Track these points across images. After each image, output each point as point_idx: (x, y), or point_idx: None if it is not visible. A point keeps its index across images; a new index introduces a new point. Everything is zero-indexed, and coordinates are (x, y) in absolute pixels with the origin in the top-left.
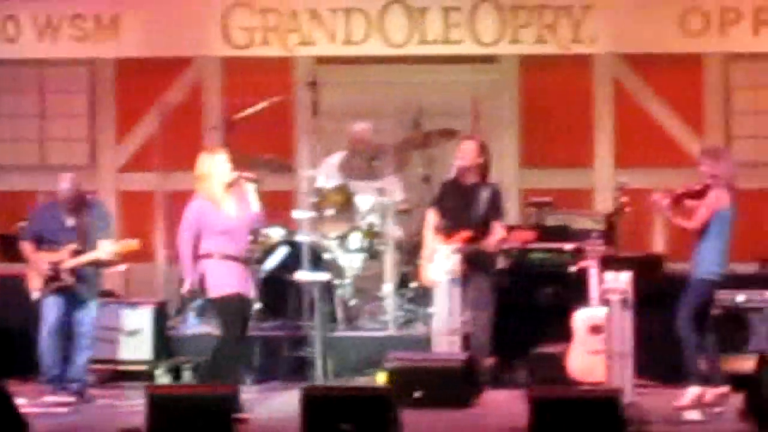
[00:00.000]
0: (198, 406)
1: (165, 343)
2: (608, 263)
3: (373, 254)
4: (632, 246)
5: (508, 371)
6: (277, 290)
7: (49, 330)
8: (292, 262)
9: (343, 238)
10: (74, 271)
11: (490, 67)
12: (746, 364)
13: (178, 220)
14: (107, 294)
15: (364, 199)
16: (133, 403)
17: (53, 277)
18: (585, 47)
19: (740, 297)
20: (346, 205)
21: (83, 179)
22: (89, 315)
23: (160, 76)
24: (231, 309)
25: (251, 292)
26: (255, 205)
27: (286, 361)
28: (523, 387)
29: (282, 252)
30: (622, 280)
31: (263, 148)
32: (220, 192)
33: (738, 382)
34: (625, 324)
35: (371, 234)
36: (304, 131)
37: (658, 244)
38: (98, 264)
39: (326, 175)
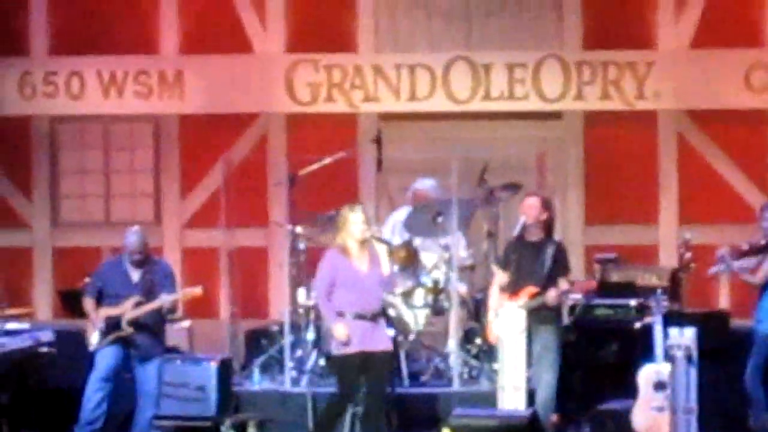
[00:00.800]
0: None
1: (229, 399)
2: (673, 319)
3: (437, 310)
4: (697, 302)
5: (572, 428)
6: None
7: (96, 377)
8: None
9: (408, 294)
10: (135, 323)
11: (555, 123)
12: None
13: (241, 277)
14: (172, 350)
15: (429, 255)
16: None
17: (112, 327)
18: (649, 103)
19: None
20: (410, 261)
21: (148, 235)
22: (153, 372)
23: (225, 132)
24: (346, 368)
25: (384, 347)
26: (386, 267)
27: (351, 417)
28: None
29: None
30: (686, 336)
31: (328, 203)
32: (351, 247)
33: None
34: (689, 380)
35: (436, 290)
36: (369, 187)
37: (723, 301)
38: (163, 317)
39: (392, 230)
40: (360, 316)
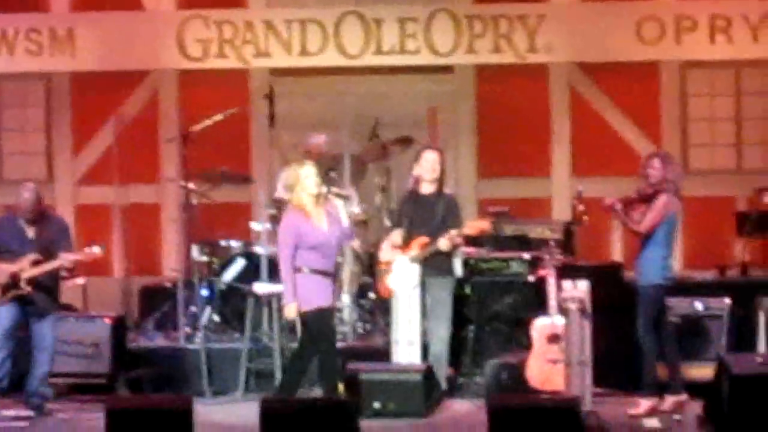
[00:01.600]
0: (156, 418)
1: (124, 356)
2: (566, 272)
3: None
4: (590, 254)
5: (467, 382)
6: (235, 302)
7: (2, 336)
8: (250, 274)
9: None
10: (33, 282)
11: (447, 77)
12: (705, 371)
13: (134, 233)
14: (66, 307)
15: None
16: (93, 416)
17: (11, 286)
18: (541, 56)
19: (698, 305)
20: None
21: (41, 192)
22: (49, 329)
23: (117, 90)
24: (320, 323)
25: (335, 302)
26: (344, 219)
27: (245, 372)
28: (481, 397)
29: (239, 264)
30: (580, 288)
31: (220, 160)
32: (308, 204)
33: (697, 389)
34: (583, 332)
35: None
36: (261, 143)
37: (616, 253)
38: (58, 274)
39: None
40: (322, 273)
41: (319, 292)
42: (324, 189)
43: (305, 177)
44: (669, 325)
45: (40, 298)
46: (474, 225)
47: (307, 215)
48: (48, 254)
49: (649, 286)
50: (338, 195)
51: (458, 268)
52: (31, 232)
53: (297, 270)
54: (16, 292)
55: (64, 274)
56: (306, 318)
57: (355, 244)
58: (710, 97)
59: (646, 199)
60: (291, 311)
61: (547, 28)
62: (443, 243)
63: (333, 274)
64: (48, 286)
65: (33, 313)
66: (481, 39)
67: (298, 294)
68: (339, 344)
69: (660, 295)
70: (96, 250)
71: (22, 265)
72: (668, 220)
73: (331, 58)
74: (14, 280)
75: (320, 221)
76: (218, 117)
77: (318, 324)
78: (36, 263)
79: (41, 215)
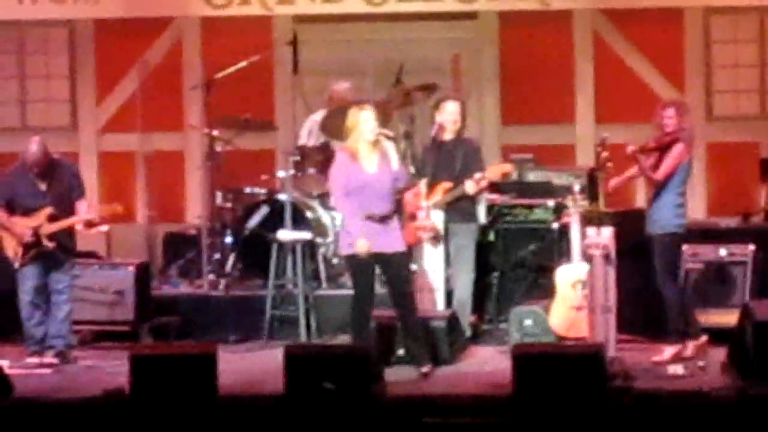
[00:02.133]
0: (180, 365)
1: (148, 304)
2: (590, 218)
3: None
4: (614, 201)
5: (491, 328)
6: (259, 249)
7: (30, 298)
8: (274, 221)
9: (325, 197)
10: (53, 236)
11: (470, 23)
12: (729, 317)
13: (158, 181)
14: (89, 255)
15: None
16: (117, 363)
17: (33, 243)
18: (564, 3)
19: (722, 251)
20: (327, 164)
21: (64, 140)
22: (65, 274)
23: (140, 37)
24: (356, 268)
25: (396, 248)
26: (395, 163)
27: (269, 320)
28: (505, 343)
29: (263, 211)
30: (604, 235)
31: (244, 107)
32: (362, 148)
33: (721, 335)
34: (607, 279)
35: None
36: (285, 90)
37: (640, 199)
38: (74, 227)
39: (308, 133)
40: (369, 218)
41: (359, 237)
42: (377, 132)
43: (364, 121)
44: (681, 271)
45: (59, 252)
46: (496, 168)
47: (356, 158)
48: (62, 205)
49: (665, 234)
50: (387, 137)
51: (482, 215)
52: (43, 185)
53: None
54: (39, 250)
55: (80, 227)
56: (346, 262)
57: None
58: (734, 43)
59: (663, 147)
60: (361, 247)
61: None
62: (469, 185)
63: (386, 218)
64: (63, 237)
65: (52, 264)
66: None
67: (341, 238)
68: None
69: (677, 243)
70: (116, 206)
71: (39, 220)
72: (683, 169)
73: (354, 5)
74: (36, 237)
75: (370, 165)
76: (242, 64)
77: (354, 269)
78: (52, 217)
79: (50, 166)
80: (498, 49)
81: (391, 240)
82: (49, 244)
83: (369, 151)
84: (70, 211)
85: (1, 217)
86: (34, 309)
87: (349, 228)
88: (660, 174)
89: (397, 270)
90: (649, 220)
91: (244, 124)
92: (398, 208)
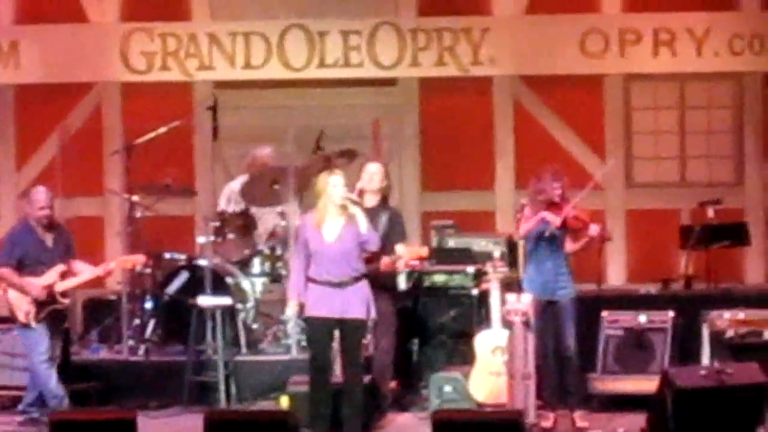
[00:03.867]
0: (99, 430)
1: (67, 369)
2: (510, 285)
3: (275, 278)
4: None
5: (411, 394)
6: (179, 315)
7: (46, 357)
8: (194, 287)
9: (245, 263)
10: (67, 294)
11: (391, 89)
12: (648, 384)
13: (78, 246)
14: (6, 320)
15: (266, 223)
16: (35, 429)
17: (47, 302)
18: (484, 69)
19: (642, 318)
20: (247, 230)
21: None
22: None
23: (61, 102)
24: (311, 332)
25: (354, 314)
26: (364, 227)
27: (189, 385)
28: (426, 410)
29: (183, 277)
30: (524, 301)
31: (164, 172)
32: (325, 213)
33: (640, 402)
34: (527, 345)
35: (273, 258)
36: (205, 155)
37: None
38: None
39: (228, 199)
40: (320, 282)
41: (312, 302)
42: (348, 198)
43: (333, 186)
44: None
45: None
46: (413, 251)
47: (318, 223)
48: (64, 263)
49: (574, 298)
50: (354, 202)
51: (402, 281)
52: (49, 240)
53: (310, 280)
54: (54, 307)
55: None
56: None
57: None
58: (654, 110)
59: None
60: (288, 308)
61: (491, 41)
62: (383, 264)
63: (344, 284)
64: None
65: (57, 324)
66: (425, 52)
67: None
68: (283, 357)
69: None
70: (112, 264)
71: (53, 278)
72: None
73: (275, 71)
74: (50, 296)
75: (331, 232)
76: (162, 129)
77: (309, 332)
78: (64, 274)
79: (53, 221)
80: (418, 116)
81: (347, 305)
82: (64, 301)
83: (335, 216)
84: (69, 269)
85: (13, 277)
86: (50, 367)
87: (308, 291)
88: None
89: (349, 336)
90: (552, 287)
91: (164, 190)
92: (367, 272)
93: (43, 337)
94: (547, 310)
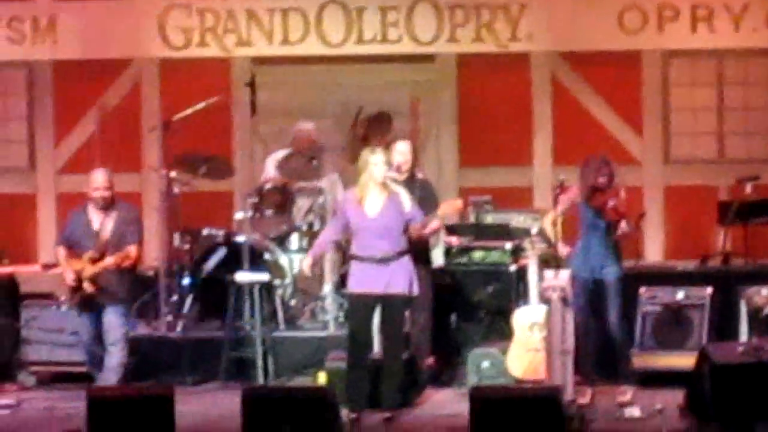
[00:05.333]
0: (137, 406)
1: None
2: (548, 261)
3: None
4: (573, 244)
5: (448, 371)
6: (217, 291)
7: (84, 344)
8: (231, 263)
9: (282, 239)
10: (95, 280)
11: (429, 66)
12: (686, 360)
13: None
14: (46, 296)
15: (304, 198)
16: (74, 405)
17: (76, 287)
18: (522, 45)
19: (680, 294)
20: (285, 206)
21: (22, 181)
22: (116, 320)
23: (98, 79)
24: (352, 307)
25: (396, 290)
26: (407, 204)
27: (226, 361)
28: (464, 386)
29: (220, 253)
30: (561, 277)
31: (203, 148)
32: (366, 190)
33: (678, 378)
34: (565, 322)
35: (311, 234)
36: (243, 132)
37: None
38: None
39: (268, 173)
40: (360, 259)
41: (355, 278)
42: (390, 176)
43: (374, 164)
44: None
45: (102, 296)
46: (448, 206)
47: (360, 199)
48: (112, 248)
49: (621, 277)
50: (395, 180)
51: (440, 257)
52: (96, 223)
53: (351, 257)
54: (81, 294)
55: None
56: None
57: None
58: (692, 86)
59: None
60: (304, 263)
61: (529, 18)
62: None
63: (387, 260)
64: (112, 281)
65: (99, 310)
66: (463, 28)
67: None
68: (320, 333)
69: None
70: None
71: (82, 263)
72: None
73: (312, 47)
74: (78, 281)
75: (373, 207)
76: (200, 106)
77: (349, 307)
78: (94, 261)
79: (112, 203)
80: (456, 92)
81: (390, 281)
82: (89, 288)
83: (376, 194)
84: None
85: (60, 257)
86: (91, 354)
87: (350, 267)
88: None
89: (391, 311)
90: (600, 266)
91: (203, 164)
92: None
93: (82, 328)
94: (593, 288)
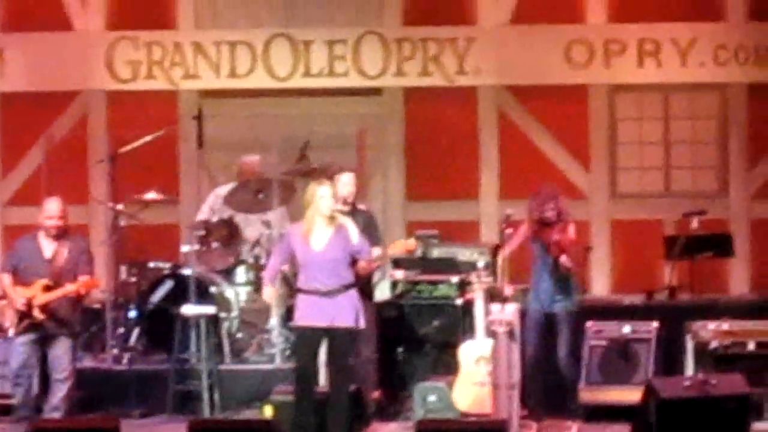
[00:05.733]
0: None
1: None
2: (494, 295)
3: (259, 287)
4: (518, 278)
5: (394, 404)
6: (163, 323)
7: (15, 373)
8: (178, 296)
9: (229, 272)
10: (46, 308)
11: (376, 99)
12: (632, 395)
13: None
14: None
15: (250, 231)
16: None
17: (26, 314)
18: (469, 79)
19: (626, 328)
20: (231, 239)
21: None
22: (63, 352)
23: (46, 111)
24: (298, 340)
25: (342, 323)
26: (355, 237)
27: (173, 394)
28: (409, 420)
29: (167, 286)
30: (508, 311)
31: (149, 181)
32: (313, 223)
33: (624, 413)
34: (511, 355)
35: (257, 267)
36: (190, 164)
37: None
38: (75, 298)
39: (212, 206)
40: (306, 292)
41: (300, 311)
42: (336, 209)
43: (321, 197)
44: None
45: (51, 325)
46: (401, 244)
47: (306, 233)
48: (64, 278)
49: (572, 311)
50: (342, 213)
51: (386, 291)
52: (48, 251)
53: (298, 290)
54: (30, 321)
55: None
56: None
57: (284, 266)
58: (639, 120)
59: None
60: (264, 292)
61: (476, 51)
62: (360, 268)
63: (332, 293)
64: (63, 311)
65: (48, 339)
66: (410, 61)
67: None
68: (267, 366)
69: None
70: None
71: (34, 290)
72: None
73: (260, 80)
74: (28, 308)
75: (319, 241)
76: (147, 138)
77: (296, 340)
78: (47, 288)
79: (64, 233)
80: (403, 125)
81: (335, 314)
82: (40, 316)
83: (323, 227)
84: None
85: (5, 283)
86: (16, 386)
87: (296, 301)
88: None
89: (336, 344)
90: (551, 299)
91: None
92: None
93: (18, 351)
94: (543, 322)
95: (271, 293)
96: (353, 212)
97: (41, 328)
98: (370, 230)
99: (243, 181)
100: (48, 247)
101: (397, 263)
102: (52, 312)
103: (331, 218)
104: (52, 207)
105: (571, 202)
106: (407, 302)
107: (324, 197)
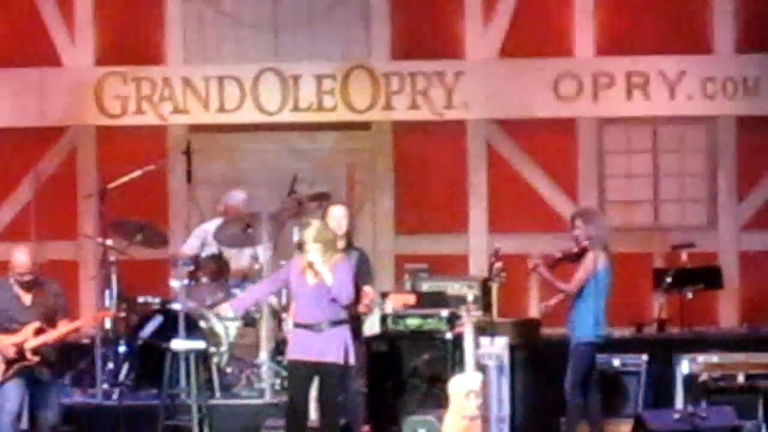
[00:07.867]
0: None
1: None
2: (484, 329)
3: (248, 322)
4: (508, 311)
5: None
6: (153, 359)
7: (11, 419)
8: (167, 331)
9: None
10: (38, 351)
11: (364, 133)
12: (622, 427)
13: None
14: None
15: (239, 264)
16: None
17: (17, 359)
18: (458, 113)
19: (616, 361)
20: (221, 273)
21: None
22: (52, 393)
23: (35, 145)
24: (289, 374)
25: (332, 358)
26: (329, 282)
27: (162, 429)
28: None
29: (156, 321)
30: (497, 345)
31: (138, 215)
32: (313, 259)
33: None
34: (501, 389)
35: None
36: (179, 199)
37: (533, 309)
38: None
39: (202, 240)
40: (303, 326)
41: (292, 344)
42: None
43: (305, 242)
44: (594, 381)
45: (42, 367)
46: (400, 298)
47: (303, 267)
48: (47, 323)
49: (582, 343)
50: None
51: (376, 325)
52: (27, 299)
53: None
54: (22, 364)
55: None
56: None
57: (273, 300)
58: (627, 153)
59: (573, 258)
60: (221, 308)
61: (465, 85)
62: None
63: (321, 327)
64: (49, 354)
65: (36, 382)
66: (399, 95)
67: None
68: (257, 401)
69: (591, 353)
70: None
71: (25, 335)
72: (596, 277)
73: (248, 115)
74: (19, 352)
75: (313, 275)
76: (136, 173)
77: (288, 375)
78: (39, 332)
79: (37, 279)
80: (392, 159)
81: (322, 349)
82: (34, 358)
83: (322, 262)
84: (53, 329)
85: None
86: (12, 428)
87: (290, 335)
88: (571, 286)
89: (326, 379)
90: (568, 327)
91: (137, 233)
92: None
93: (9, 397)
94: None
95: (225, 309)
96: (347, 250)
97: (29, 371)
98: (364, 268)
99: (229, 217)
100: (24, 295)
101: (387, 297)
102: (43, 355)
103: (310, 264)
104: (23, 259)
105: (560, 235)
106: (397, 336)
107: (307, 242)
